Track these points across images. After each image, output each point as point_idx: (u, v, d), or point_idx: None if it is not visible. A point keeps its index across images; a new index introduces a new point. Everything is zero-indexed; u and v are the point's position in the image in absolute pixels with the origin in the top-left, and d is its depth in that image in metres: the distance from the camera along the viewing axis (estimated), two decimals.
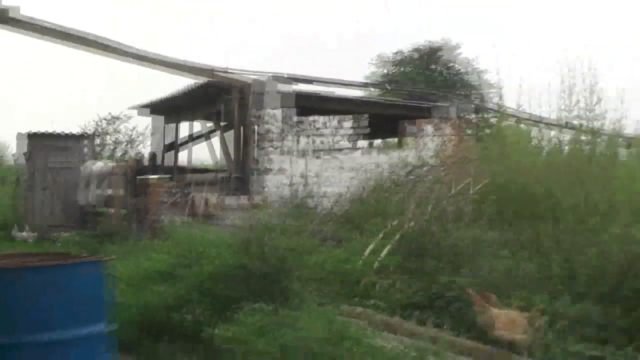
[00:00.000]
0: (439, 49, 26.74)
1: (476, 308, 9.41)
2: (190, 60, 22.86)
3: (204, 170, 25.17)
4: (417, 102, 22.59)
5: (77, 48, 24.15)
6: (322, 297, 10.38)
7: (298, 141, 20.52)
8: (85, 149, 29.65)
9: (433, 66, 25.99)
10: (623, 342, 9.24)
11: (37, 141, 28.83)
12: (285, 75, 21.85)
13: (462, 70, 26.04)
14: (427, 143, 20.97)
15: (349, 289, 11.59)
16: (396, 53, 27.01)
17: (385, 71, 26.71)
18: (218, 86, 21.59)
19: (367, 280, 11.71)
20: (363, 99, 23.82)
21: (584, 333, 9.52)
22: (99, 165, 27.92)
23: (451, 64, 25.79)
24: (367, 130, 21.18)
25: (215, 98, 21.78)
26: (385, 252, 12.51)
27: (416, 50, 26.90)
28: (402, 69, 26.73)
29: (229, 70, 22.00)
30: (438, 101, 22.24)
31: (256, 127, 20.50)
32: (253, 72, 21.76)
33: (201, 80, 22.03)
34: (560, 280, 10.89)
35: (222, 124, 22.50)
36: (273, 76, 21.44)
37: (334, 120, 20.90)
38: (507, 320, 8.98)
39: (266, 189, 19.94)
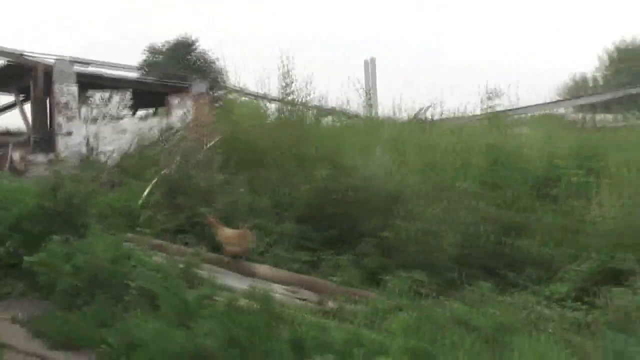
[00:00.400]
0: (187, 42, 27.73)
1: (213, 230, 10.42)
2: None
3: (18, 134, 24.54)
4: (174, 82, 23.44)
5: None
6: (111, 229, 10.73)
7: (90, 110, 21.06)
8: None
9: (189, 56, 26.81)
10: (324, 249, 10.53)
11: None
12: (80, 60, 22.45)
13: (204, 59, 27.07)
14: (179, 112, 22.21)
15: (131, 222, 11.79)
16: (162, 45, 27.61)
17: (154, 59, 27.18)
18: (24, 66, 21.83)
19: (144, 214, 12.02)
20: (139, 79, 24.25)
21: (292, 244, 10.82)
22: None
23: (197, 54, 26.82)
24: (131, 102, 22.08)
25: (25, 75, 22.18)
26: (147, 192, 12.94)
27: (174, 43, 27.68)
28: (163, 57, 27.49)
29: (34, 54, 22.17)
30: (191, 82, 23.36)
31: (58, 99, 20.92)
32: (56, 55, 21.97)
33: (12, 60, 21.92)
34: (283, 208, 12.10)
35: (22, 96, 23.07)
36: (70, 59, 21.81)
37: (117, 95, 21.72)
38: (230, 236, 10.03)
39: (66, 148, 20.33)
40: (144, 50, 27.09)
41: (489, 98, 14.35)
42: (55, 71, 21.08)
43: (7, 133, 25.25)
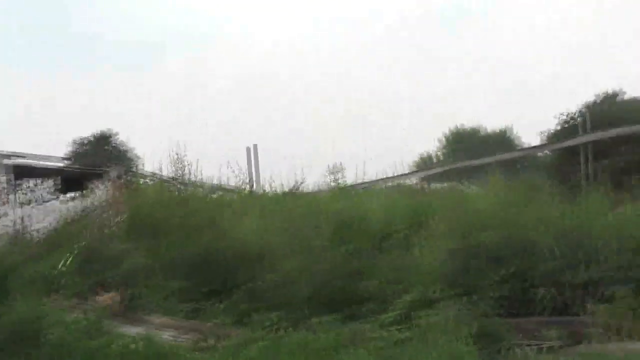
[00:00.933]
0: (105, 135, 27.74)
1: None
2: None
3: None
4: (94, 169, 23.06)
5: None
6: (35, 292, 10.45)
7: (17, 196, 20.74)
8: None
9: (106, 147, 26.86)
10: (207, 299, 11.01)
11: None
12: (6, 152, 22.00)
13: (119, 149, 27.44)
14: (98, 193, 22.09)
15: (54, 286, 11.89)
16: (82, 138, 27.59)
17: (79, 150, 27.09)
18: None
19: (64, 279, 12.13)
20: (66, 167, 24.19)
21: (181, 297, 11.16)
22: None
23: (114, 145, 27.12)
24: (60, 187, 21.25)
25: None
26: (67, 260, 12.95)
27: (94, 136, 27.70)
28: (87, 147, 27.54)
29: None
30: (108, 168, 23.39)
31: None
32: None
33: None
34: (173, 268, 12.30)
35: None
36: (1, 154, 21.38)
37: (42, 182, 21.37)
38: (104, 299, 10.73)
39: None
40: (71, 142, 26.67)
41: (332, 173, 15.15)
42: None
43: None
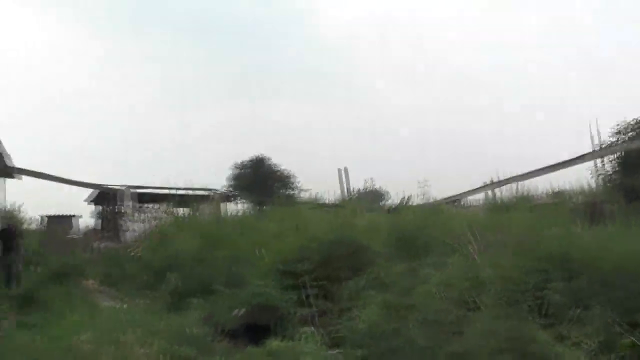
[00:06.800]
0: (260, 159, 31.98)
1: None
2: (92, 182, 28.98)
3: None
4: (200, 190, 29.32)
5: None
6: None
7: (140, 215, 27.37)
8: None
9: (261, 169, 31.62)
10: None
11: None
12: (135, 185, 28.93)
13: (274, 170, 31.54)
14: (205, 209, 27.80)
15: None
16: (242, 162, 32.11)
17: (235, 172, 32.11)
18: (107, 191, 28.91)
19: None
20: (177, 194, 28.35)
21: None
22: None
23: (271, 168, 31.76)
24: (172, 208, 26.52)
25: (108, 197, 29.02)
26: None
27: (251, 160, 31.93)
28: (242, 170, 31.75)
29: (109, 185, 29.06)
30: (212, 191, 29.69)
31: (121, 208, 27.72)
32: (120, 185, 28.64)
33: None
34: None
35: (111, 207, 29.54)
36: (128, 186, 28.47)
37: (159, 205, 27.91)
38: None
39: (128, 235, 25.71)
40: (232, 166, 32.17)
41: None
42: (118, 194, 27.92)
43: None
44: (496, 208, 18.28)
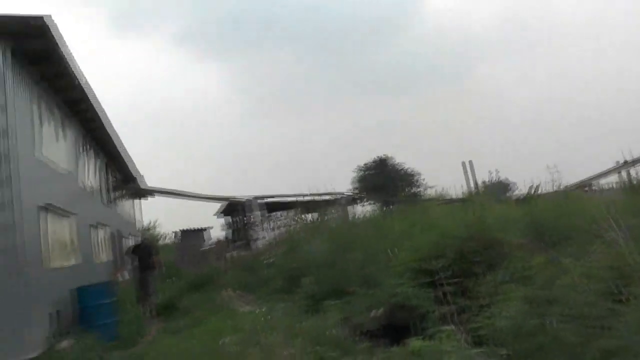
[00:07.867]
0: (384, 159, 32.44)
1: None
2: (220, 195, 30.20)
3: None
4: (324, 195, 28.76)
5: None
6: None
7: (269, 223, 28.07)
8: None
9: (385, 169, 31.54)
10: None
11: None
12: (260, 195, 29.79)
13: (398, 170, 31.55)
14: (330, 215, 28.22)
15: None
16: (365, 164, 32.42)
17: (360, 174, 32.28)
18: (235, 203, 29.78)
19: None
20: (302, 200, 29.43)
21: None
22: None
23: (394, 168, 31.83)
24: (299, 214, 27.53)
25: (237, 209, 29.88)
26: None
27: (374, 161, 32.19)
28: (366, 172, 32.27)
29: (236, 197, 30.03)
30: (337, 195, 29.81)
31: (250, 220, 28.45)
32: (247, 195, 29.58)
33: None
34: None
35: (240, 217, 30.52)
36: (254, 196, 29.32)
37: (287, 212, 28.46)
38: None
39: (259, 243, 26.46)
40: (355, 168, 32.70)
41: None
42: (246, 205, 28.42)
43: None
44: (634, 190, 16.33)
